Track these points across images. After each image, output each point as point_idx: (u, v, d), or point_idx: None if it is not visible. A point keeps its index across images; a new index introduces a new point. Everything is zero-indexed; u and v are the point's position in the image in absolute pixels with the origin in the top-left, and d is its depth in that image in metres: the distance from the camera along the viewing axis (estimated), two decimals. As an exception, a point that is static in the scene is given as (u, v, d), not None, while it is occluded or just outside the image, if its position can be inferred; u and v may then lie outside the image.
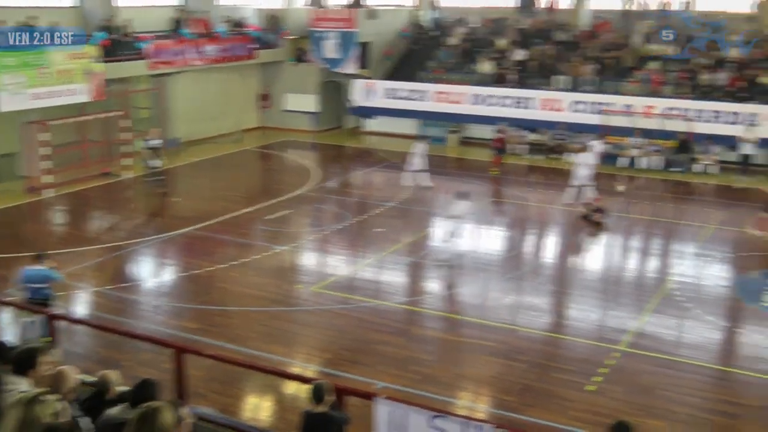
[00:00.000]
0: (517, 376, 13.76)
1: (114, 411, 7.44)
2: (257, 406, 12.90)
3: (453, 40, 38.29)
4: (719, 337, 15.86)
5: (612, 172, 29.52)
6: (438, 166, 27.19)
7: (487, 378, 13.85)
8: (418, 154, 26.59)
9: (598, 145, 28.10)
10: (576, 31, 36.90)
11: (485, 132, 34.50)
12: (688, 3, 36.24)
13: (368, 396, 8.75)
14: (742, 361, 14.91)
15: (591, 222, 22.86)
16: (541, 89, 34.18)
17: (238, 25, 36.70)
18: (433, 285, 18.42)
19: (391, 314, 16.55)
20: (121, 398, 7.76)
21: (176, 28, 33.31)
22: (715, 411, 12.89)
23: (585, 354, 14.80)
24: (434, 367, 14.09)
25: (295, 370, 13.72)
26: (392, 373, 13.72)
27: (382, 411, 8.47)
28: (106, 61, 27.93)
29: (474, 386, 13.67)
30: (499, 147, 29.62)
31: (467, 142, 35.51)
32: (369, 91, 36.38)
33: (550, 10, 39.09)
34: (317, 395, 8.57)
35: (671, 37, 34.39)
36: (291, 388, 13.03)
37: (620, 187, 27.55)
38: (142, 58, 30.56)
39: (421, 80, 36.73)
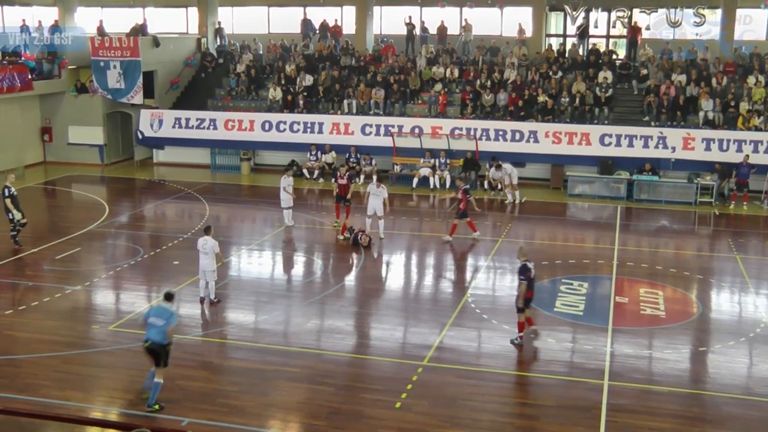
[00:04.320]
0: (324, 400, 13.81)
1: None
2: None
3: (240, 67, 38.16)
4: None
5: (405, 192, 30.29)
6: (234, 194, 26.80)
7: (295, 404, 13.83)
8: (285, 189, 25.07)
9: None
10: (362, 55, 37.69)
11: (277, 158, 34.58)
12: (464, 27, 37.95)
13: (177, 435, 8.51)
14: (537, 364, 15.72)
15: (360, 245, 23.14)
16: (330, 113, 34.66)
17: (13, 54, 34.83)
18: (234, 315, 18.15)
19: (193, 347, 16.19)
20: None
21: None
22: (515, 414, 13.55)
23: (391, 372, 15.08)
24: (241, 398, 13.89)
25: (96, 415, 13.10)
26: (199, 407, 13.44)
27: (192, 448, 8.28)
28: None
29: (282, 414, 13.61)
30: (341, 194, 24.96)
31: (259, 169, 35.38)
32: (157, 121, 35.56)
33: (335, 34, 39.76)
34: None
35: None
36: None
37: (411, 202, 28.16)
38: None
39: (210, 108, 36.39)
